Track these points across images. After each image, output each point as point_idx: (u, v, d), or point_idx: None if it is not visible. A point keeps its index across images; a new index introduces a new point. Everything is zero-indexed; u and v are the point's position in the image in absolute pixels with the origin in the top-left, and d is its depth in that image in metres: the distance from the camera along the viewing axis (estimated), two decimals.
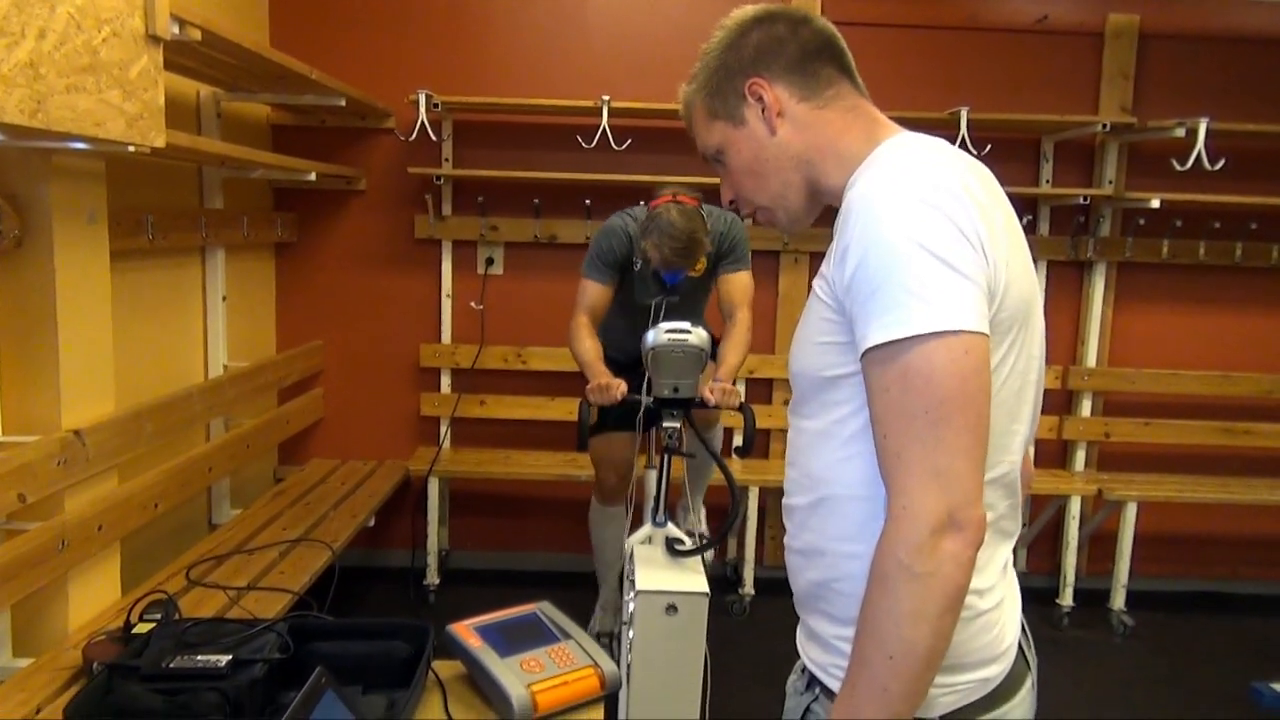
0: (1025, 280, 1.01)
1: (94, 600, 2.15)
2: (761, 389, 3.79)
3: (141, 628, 1.55)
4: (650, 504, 2.38)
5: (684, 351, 2.22)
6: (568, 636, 1.52)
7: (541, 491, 3.80)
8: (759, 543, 3.70)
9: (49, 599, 2.02)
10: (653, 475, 2.52)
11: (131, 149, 1.82)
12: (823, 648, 1.10)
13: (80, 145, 1.80)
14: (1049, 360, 1.20)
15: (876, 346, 0.90)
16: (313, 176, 3.09)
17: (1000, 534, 1.06)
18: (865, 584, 0.94)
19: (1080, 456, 3.80)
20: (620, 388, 2.54)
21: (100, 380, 2.16)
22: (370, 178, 3.68)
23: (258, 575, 2.44)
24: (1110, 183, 3.61)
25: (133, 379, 2.52)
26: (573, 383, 2.91)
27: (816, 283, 1.04)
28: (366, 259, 3.73)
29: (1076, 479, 3.70)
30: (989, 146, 3.43)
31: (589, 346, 2.73)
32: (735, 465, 3.61)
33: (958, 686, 1.02)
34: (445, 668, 1.49)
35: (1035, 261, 3.62)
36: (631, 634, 2.07)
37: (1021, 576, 1.22)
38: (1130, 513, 3.53)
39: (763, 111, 1.09)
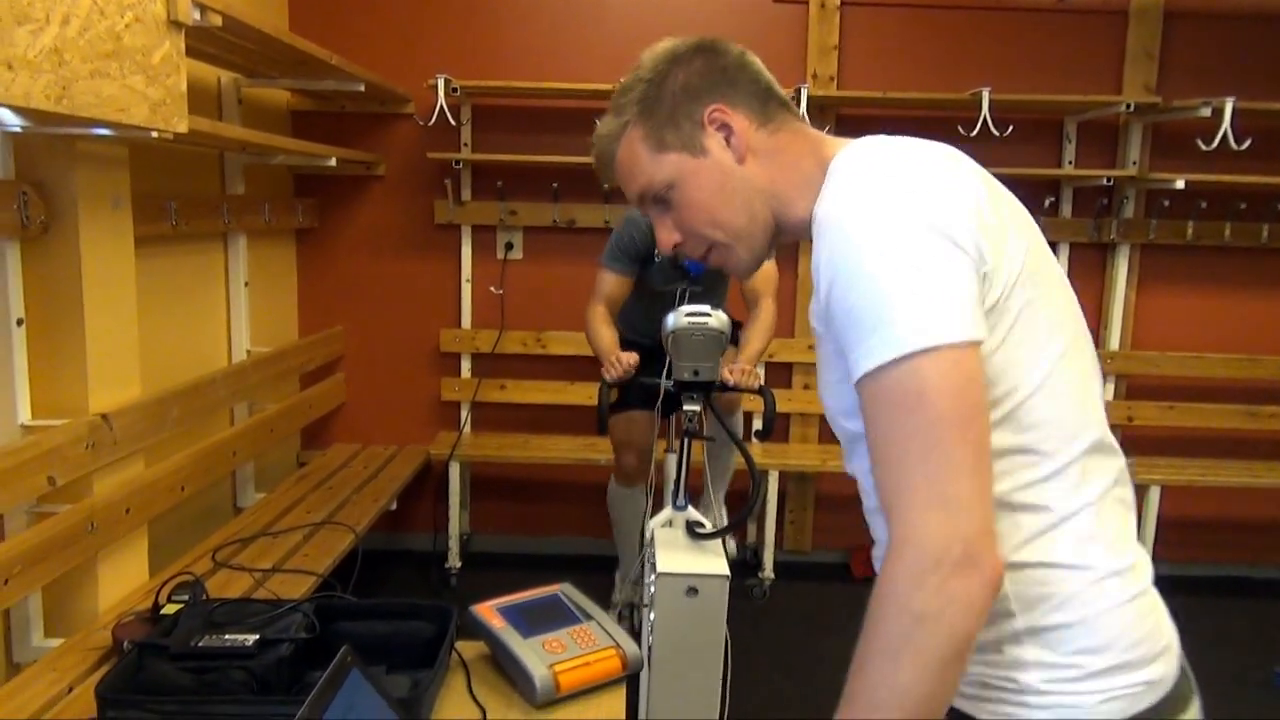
0: (1025, 236, 0.94)
1: (123, 582, 2.18)
2: (781, 372, 3.78)
3: (169, 608, 1.57)
4: (671, 488, 2.38)
5: (704, 334, 2.22)
6: (589, 618, 1.53)
7: (562, 476, 3.81)
8: (779, 527, 3.70)
9: (79, 580, 2.05)
10: (673, 459, 2.52)
11: (154, 134, 1.83)
12: None
13: (104, 131, 1.82)
14: None
15: (864, 376, 0.84)
16: (333, 162, 3.10)
17: (1120, 504, 0.95)
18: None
19: None
20: (632, 357, 2.56)
21: (126, 365, 2.19)
22: (390, 163, 3.69)
23: (282, 558, 2.46)
24: (1134, 164, 3.57)
25: (157, 364, 2.55)
26: (592, 367, 2.91)
27: (810, 312, 0.97)
28: (386, 244, 3.74)
29: None
30: (1010, 128, 3.40)
31: (605, 335, 2.73)
32: (755, 449, 3.61)
33: (1119, 691, 0.90)
34: (468, 648, 1.50)
35: (1057, 244, 3.63)
36: (653, 616, 2.08)
37: None
38: (1154, 497, 3.51)
39: (728, 140, 1.02)
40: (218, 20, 2.06)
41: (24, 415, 1.98)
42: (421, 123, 3.57)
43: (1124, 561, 0.92)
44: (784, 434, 3.81)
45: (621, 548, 3.18)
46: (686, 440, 2.36)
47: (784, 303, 3.63)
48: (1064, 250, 3.68)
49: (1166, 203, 3.56)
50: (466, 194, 3.67)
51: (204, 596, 1.66)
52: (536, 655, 1.39)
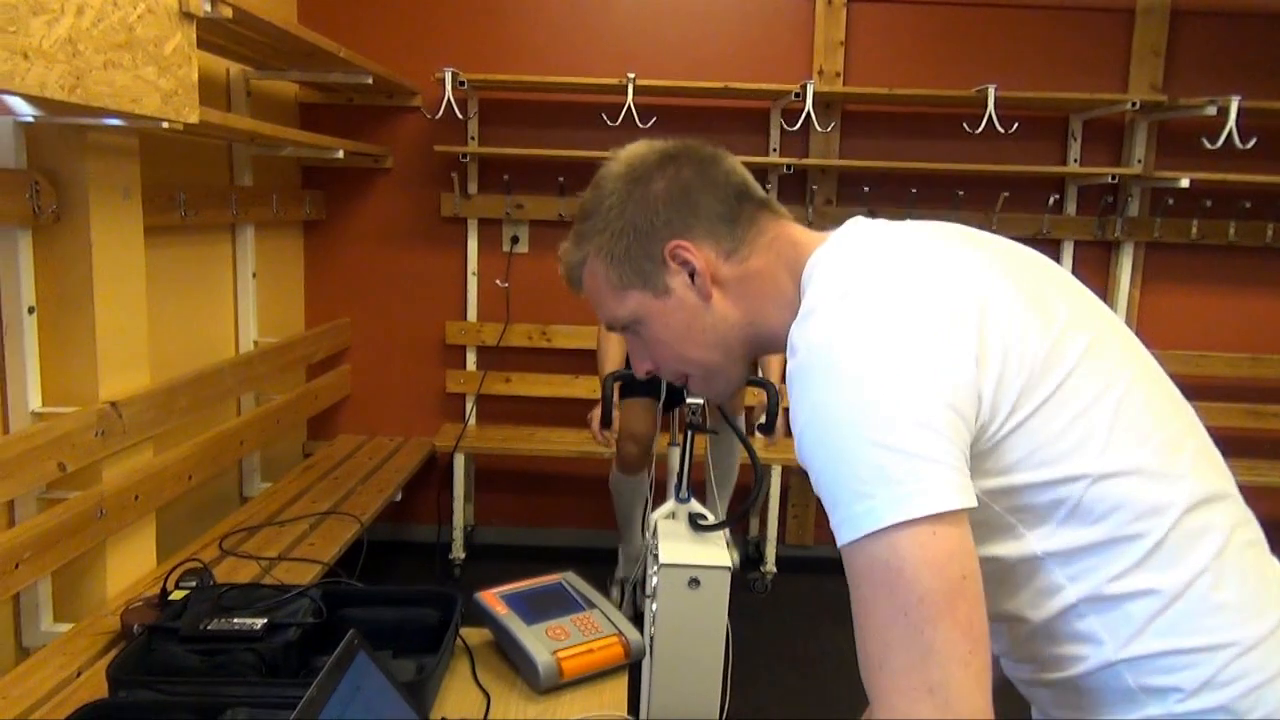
0: (1056, 311, 0.86)
1: (131, 568, 2.20)
2: None
3: (177, 595, 1.59)
4: (673, 480, 2.40)
5: None
6: (592, 606, 1.54)
7: (565, 468, 3.83)
8: (781, 522, 3.72)
9: (88, 566, 2.08)
10: (676, 453, 2.54)
11: (166, 125, 1.85)
12: None
13: (115, 121, 1.84)
14: None
15: (842, 546, 0.78)
16: (340, 154, 3.12)
17: (1247, 549, 0.86)
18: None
19: None
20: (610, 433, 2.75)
21: (135, 354, 2.21)
22: (397, 156, 3.70)
23: (288, 546, 2.48)
24: (1139, 162, 3.58)
25: (166, 353, 2.57)
26: (596, 362, 2.94)
27: None
28: (393, 237, 3.76)
29: None
30: (1016, 125, 3.40)
31: (610, 356, 2.83)
32: (758, 444, 3.62)
33: None
34: (473, 635, 1.52)
35: (1061, 242, 3.64)
36: (655, 606, 2.10)
37: None
38: None
39: (692, 278, 0.95)
40: (228, 12, 2.07)
41: (35, 402, 2.00)
42: (429, 116, 3.58)
43: (1265, 625, 0.82)
44: (787, 429, 3.82)
45: (623, 525, 3.23)
46: (689, 434, 2.38)
47: None
48: (1068, 248, 3.69)
49: (1171, 201, 3.56)
50: (473, 187, 3.68)
51: (211, 583, 1.68)
52: (540, 642, 1.41)
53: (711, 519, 2.25)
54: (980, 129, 3.32)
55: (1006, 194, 3.52)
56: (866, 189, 3.55)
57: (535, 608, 1.51)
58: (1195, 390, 3.90)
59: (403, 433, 3.81)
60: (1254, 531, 0.89)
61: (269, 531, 2.60)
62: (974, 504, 0.77)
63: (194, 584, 1.60)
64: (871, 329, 0.80)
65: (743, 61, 3.57)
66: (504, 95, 3.65)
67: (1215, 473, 0.89)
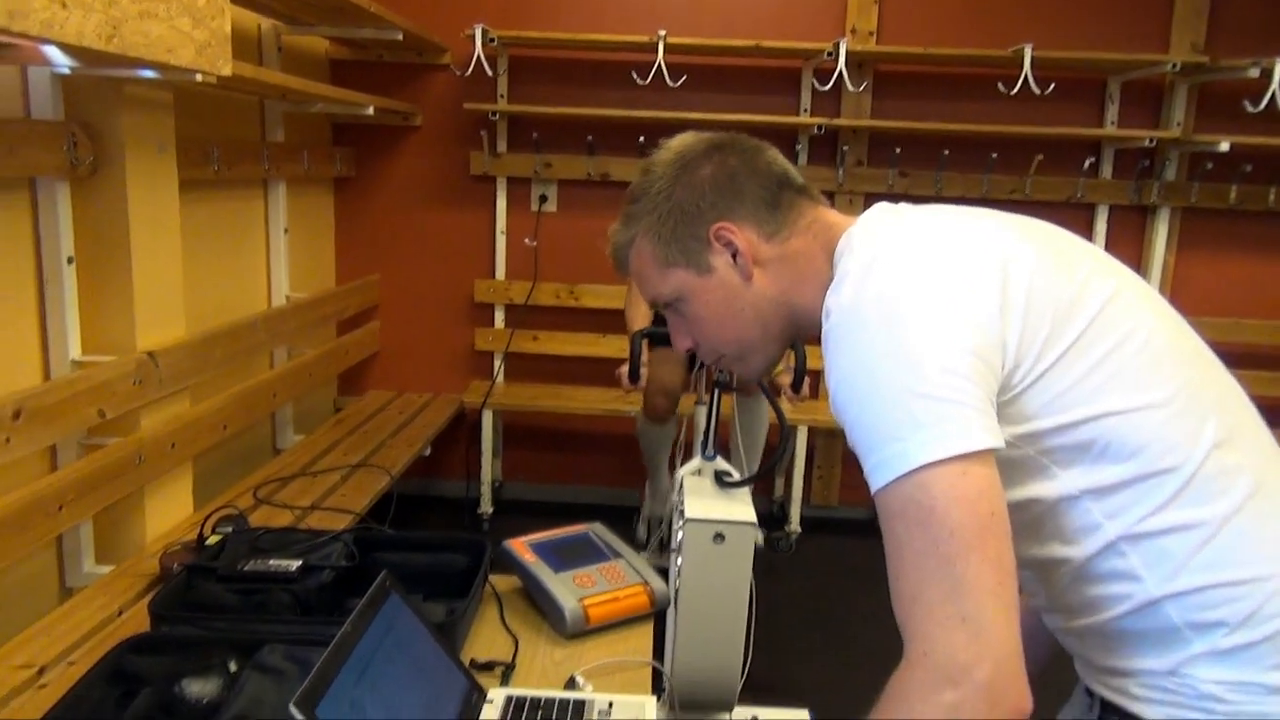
0: (1077, 266, 0.90)
1: (169, 514, 2.25)
2: None
3: (214, 539, 1.63)
4: (700, 438, 2.42)
5: None
6: (618, 555, 1.57)
7: (592, 426, 3.86)
8: (806, 482, 3.73)
9: (128, 511, 2.13)
10: (703, 411, 2.56)
11: (199, 77, 1.87)
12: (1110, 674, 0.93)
13: (149, 74, 1.86)
14: None
15: (875, 492, 0.81)
16: (370, 111, 3.13)
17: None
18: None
19: None
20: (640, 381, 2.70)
21: (171, 305, 2.24)
22: (426, 114, 3.71)
23: (321, 496, 2.53)
24: (1178, 125, 3.51)
25: (201, 307, 2.61)
26: (624, 321, 2.94)
27: None
28: (422, 195, 3.77)
29: None
30: (1052, 86, 3.34)
31: (637, 316, 2.82)
32: (784, 405, 3.62)
33: None
34: (501, 582, 1.55)
35: (1095, 206, 3.58)
36: (680, 561, 2.13)
37: None
38: None
39: (734, 258, 1.00)
40: None
41: (75, 351, 2.04)
42: (458, 73, 3.58)
43: None
44: (814, 390, 3.82)
45: (650, 465, 3.28)
46: (716, 391, 2.39)
47: None
48: (1102, 212, 3.64)
49: (1210, 165, 3.50)
50: (502, 146, 3.68)
51: (247, 528, 1.73)
52: (567, 589, 1.44)
53: (737, 476, 2.27)
54: (1015, 90, 3.27)
55: (1040, 157, 3.47)
56: (898, 150, 3.51)
57: (563, 556, 1.54)
58: (1231, 358, 3.82)
59: (431, 389, 3.85)
60: None
61: (301, 482, 2.65)
62: (1001, 445, 0.80)
63: (230, 529, 1.65)
64: (897, 286, 0.85)
65: (775, 19, 3.53)
66: (534, 53, 3.63)
67: (1245, 412, 0.91)
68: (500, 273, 3.80)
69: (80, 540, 2.07)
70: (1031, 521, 0.90)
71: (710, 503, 2.15)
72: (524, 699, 1.18)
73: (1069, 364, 0.84)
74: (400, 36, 3.20)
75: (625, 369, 2.62)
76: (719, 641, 2.18)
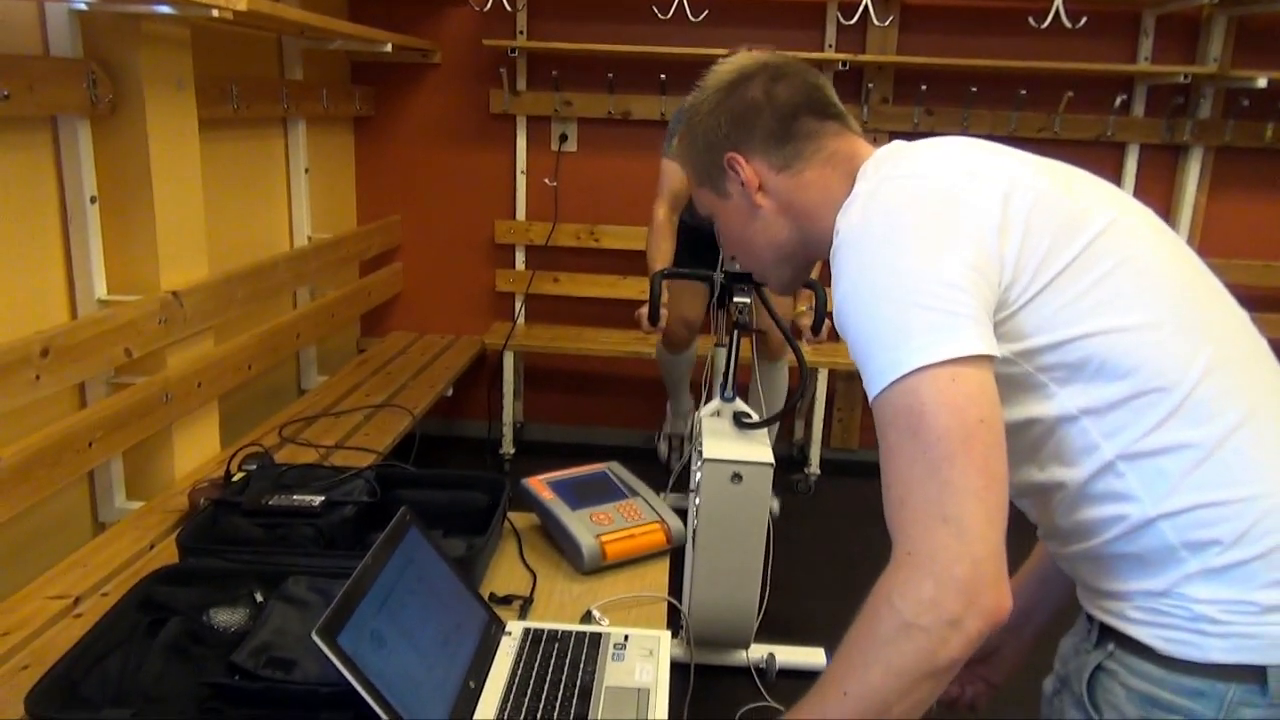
0: (1080, 192, 0.93)
1: (196, 451, 2.30)
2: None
3: (239, 476, 1.66)
4: (719, 380, 2.42)
5: None
6: (635, 494, 1.59)
7: (613, 368, 3.87)
8: (826, 425, 3.74)
9: (156, 448, 2.17)
10: (722, 353, 2.56)
11: (215, 13, 1.86)
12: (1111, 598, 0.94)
13: (166, 9, 1.84)
14: None
15: (872, 401, 0.84)
16: (389, 48, 3.09)
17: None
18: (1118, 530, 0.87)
19: None
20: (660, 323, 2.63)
21: (193, 245, 2.26)
22: (445, 51, 3.66)
23: (344, 435, 2.57)
24: (1214, 60, 3.41)
25: (223, 247, 2.63)
26: (645, 263, 2.93)
27: None
28: (442, 134, 3.75)
29: None
30: (1084, 20, 3.25)
31: (660, 252, 2.77)
32: (805, 348, 3.62)
33: None
34: (520, 519, 1.58)
35: (1125, 145, 3.51)
36: (698, 500, 2.15)
37: None
38: None
39: (743, 186, 1.05)
40: None
41: (100, 290, 2.06)
42: (477, 8, 3.53)
43: None
44: (835, 334, 3.81)
45: (670, 387, 3.32)
46: (736, 333, 2.39)
47: None
48: (1133, 151, 3.56)
49: (1246, 103, 3.40)
50: (521, 83, 3.64)
51: (272, 465, 1.76)
52: (584, 526, 1.46)
53: (755, 418, 2.28)
54: (1046, 24, 3.18)
55: (1070, 94, 3.39)
56: (924, 87, 3.44)
57: (580, 494, 1.56)
58: (1261, 301, 3.82)
59: (453, 330, 3.87)
60: None
61: (325, 421, 2.68)
62: (994, 352, 0.83)
63: (255, 466, 1.68)
64: (899, 205, 0.89)
65: None
66: None
67: (1248, 341, 0.92)
68: (521, 213, 3.79)
69: (111, 477, 2.12)
70: (1032, 444, 0.92)
71: (728, 443, 2.17)
72: (541, 631, 1.21)
73: (1065, 283, 0.86)
74: None
75: (645, 310, 2.61)
76: (736, 580, 2.21)
